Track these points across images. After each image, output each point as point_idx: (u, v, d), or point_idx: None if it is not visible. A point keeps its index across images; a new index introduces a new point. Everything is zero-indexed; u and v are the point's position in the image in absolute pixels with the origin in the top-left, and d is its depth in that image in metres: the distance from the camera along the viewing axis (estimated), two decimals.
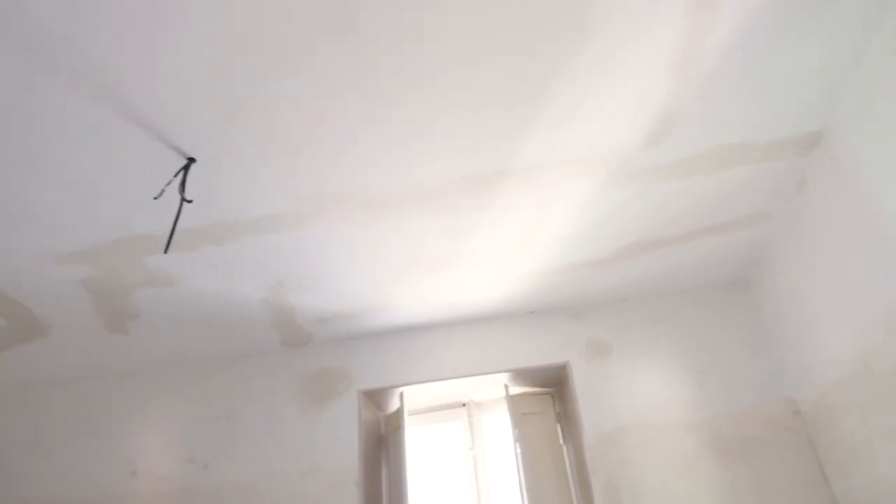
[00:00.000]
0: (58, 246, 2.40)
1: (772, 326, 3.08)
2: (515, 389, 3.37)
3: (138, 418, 3.33)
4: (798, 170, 2.47)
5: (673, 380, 3.07)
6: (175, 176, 1.96)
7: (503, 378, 3.28)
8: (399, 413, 3.21)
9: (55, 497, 3.16)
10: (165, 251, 1.95)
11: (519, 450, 3.10)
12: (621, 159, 2.27)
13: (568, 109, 2.01)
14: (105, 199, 2.16)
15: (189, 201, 1.96)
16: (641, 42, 1.80)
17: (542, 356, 3.23)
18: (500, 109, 1.98)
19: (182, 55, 1.66)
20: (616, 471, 2.87)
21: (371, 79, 1.80)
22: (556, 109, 2.00)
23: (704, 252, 2.97)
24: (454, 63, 1.79)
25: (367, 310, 3.11)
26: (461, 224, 2.51)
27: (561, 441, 3.26)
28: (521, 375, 3.28)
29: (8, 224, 2.23)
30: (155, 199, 1.94)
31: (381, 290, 2.93)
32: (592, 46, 1.78)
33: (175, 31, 1.60)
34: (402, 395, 3.22)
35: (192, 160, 2.01)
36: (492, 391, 3.43)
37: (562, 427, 3.30)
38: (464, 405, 3.53)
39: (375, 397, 3.34)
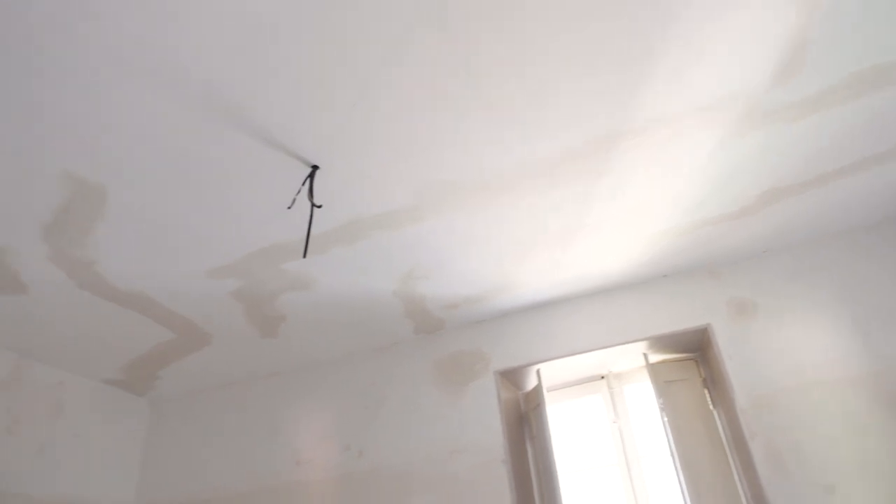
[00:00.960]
0: (209, 262, 2.64)
1: None
2: (655, 357, 3.26)
3: (297, 412, 3.60)
4: None
5: (831, 333, 2.82)
6: (303, 185, 2.09)
7: (641, 347, 3.18)
8: (537, 390, 3.22)
9: (232, 487, 3.50)
10: (304, 255, 2.09)
11: (666, 419, 3.00)
12: (749, 102, 2.11)
13: (684, 59, 1.89)
14: (244, 215, 2.35)
15: (318, 206, 2.07)
16: None
17: (681, 321, 3.09)
18: (609, 72, 1.90)
19: (293, 68, 1.76)
20: (776, 434, 2.70)
21: (473, 62, 1.80)
22: (671, 61, 1.89)
23: (851, 191, 2.69)
24: (556, 33, 1.75)
25: (494, 291, 3.13)
26: (581, 193, 2.46)
27: (711, 407, 3.11)
28: (660, 343, 3.16)
29: (169, 247, 2.49)
30: (288, 208, 2.08)
31: (507, 270, 2.94)
32: None
33: (286, 46, 1.69)
34: (538, 372, 3.23)
35: (315, 167, 2.12)
36: (630, 361, 3.34)
37: (710, 392, 3.15)
38: (602, 377, 3.46)
39: (512, 376, 3.37)
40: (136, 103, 1.82)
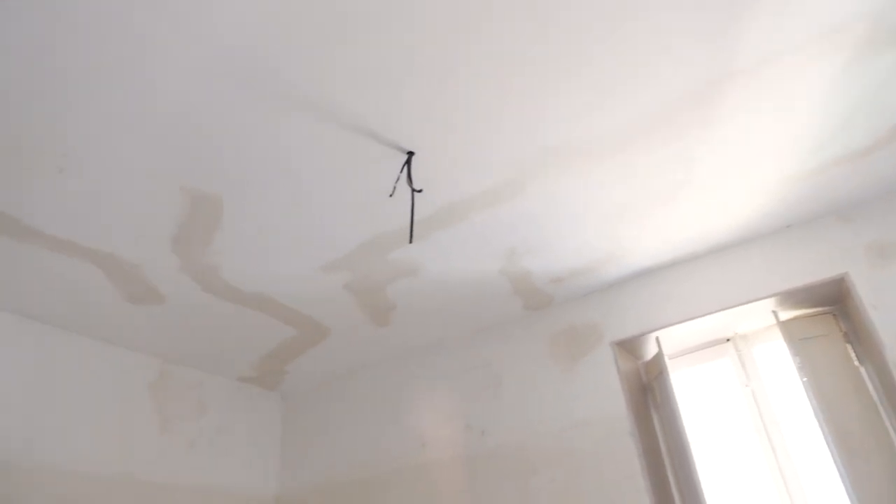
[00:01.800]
0: (321, 258, 2.74)
1: None
2: (786, 314, 3.02)
3: (419, 395, 3.69)
4: None
5: None
6: (401, 171, 2.11)
7: (769, 304, 2.97)
8: (658, 358, 3.10)
9: (364, 470, 3.64)
10: (410, 241, 2.12)
11: (805, 379, 2.79)
12: (873, 22, 1.88)
13: None
14: (349, 209, 2.41)
15: (419, 191, 2.09)
16: None
17: (812, 273, 2.85)
18: (710, 10, 1.77)
19: (383, 57, 1.77)
20: None
21: (563, 19, 1.74)
22: None
23: None
24: None
25: (603, 260, 3.04)
26: (688, 148, 2.31)
27: (856, 363, 2.85)
28: (791, 298, 2.93)
29: (282, 247, 2.62)
30: (390, 196, 2.12)
31: (615, 236, 2.84)
32: None
33: (375, 35, 1.71)
34: (657, 339, 3.10)
35: (411, 153, 2.14)
36: (758, 320, 3.13)
37: (853, 347, 2.89)
38: (728, 340, 3.27)
39: (630, 346, 3.26)
40: (238, 111, 1.91)
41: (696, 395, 3.28)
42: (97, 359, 3.17)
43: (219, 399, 3.76)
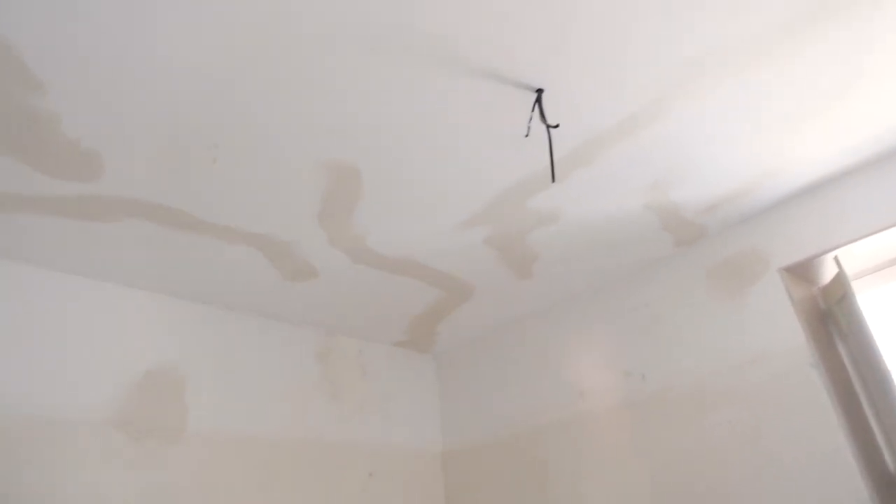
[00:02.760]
0: (458, 215, 2.74)
1: None
2: None
3: (571, 344, 3.63)
4: None
5: None
6: (532, 110, 2.02)
7: None
8: (839, 280, 2.77)
9: (524, 423, 3.66)
10: (553, 180, 2.03)
11: None
12: None
13: None
14: (482, 160, 2.37)
15: (555, 126, 2.00)
16: None
17: None
18: None
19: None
20: None
21: None
22: None
23: None
24: None
25: (762, 179, 2.75)
26: (852, 37, 1.99)
27: None
28: None
29: (421, 209, 2.64)
30: (526, 136, 2.04)
31: (775, 150, 2.55)
32: None
33: None
34: (836, 259, 2.77)
35: (540, 91, 2.04)
36: None
37: None
38: None
39: (801, 271, 2.95)
40: (372, 73, 1.92)
41: (889, 317, 2.91)
42: (266, 335, 3.44)
43: (379, 365, 3.96)
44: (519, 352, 3.86)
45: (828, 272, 2.96)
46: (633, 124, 2.26)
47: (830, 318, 2.96)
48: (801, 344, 2.73)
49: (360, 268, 3.05)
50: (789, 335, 2.78)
